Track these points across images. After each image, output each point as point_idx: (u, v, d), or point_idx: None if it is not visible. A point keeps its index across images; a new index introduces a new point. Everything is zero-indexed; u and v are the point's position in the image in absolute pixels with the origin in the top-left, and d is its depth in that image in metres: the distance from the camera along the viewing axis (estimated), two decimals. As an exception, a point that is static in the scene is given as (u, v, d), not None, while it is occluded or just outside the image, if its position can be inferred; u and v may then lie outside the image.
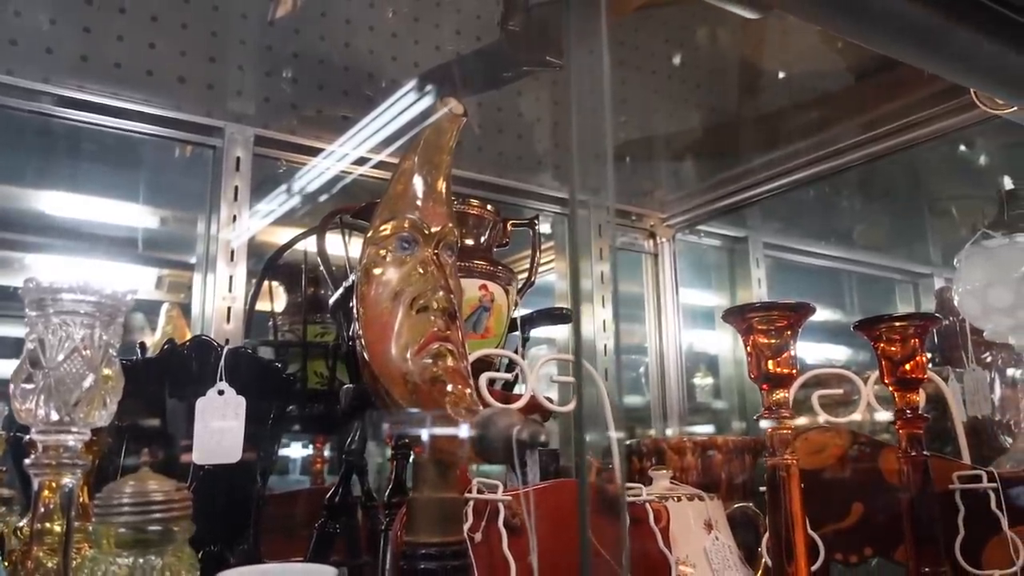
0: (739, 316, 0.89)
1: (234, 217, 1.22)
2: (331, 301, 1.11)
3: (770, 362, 0.87)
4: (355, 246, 1.29)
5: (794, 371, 0.87)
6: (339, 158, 1.37)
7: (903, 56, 0.82)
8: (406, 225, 0.78)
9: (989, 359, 1.43)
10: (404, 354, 0.73)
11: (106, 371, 0.60)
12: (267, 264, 1.42)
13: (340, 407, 1.07)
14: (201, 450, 0.76)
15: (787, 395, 0.87)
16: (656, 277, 1.76)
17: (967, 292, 1.30)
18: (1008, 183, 1.36)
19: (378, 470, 1.54)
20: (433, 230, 0.79)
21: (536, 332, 1.33)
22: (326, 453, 1.65)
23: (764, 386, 0.88)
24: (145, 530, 0.56)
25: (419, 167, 0.81)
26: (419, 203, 0.80)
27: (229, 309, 1.19)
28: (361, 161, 1.37)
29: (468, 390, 0.71)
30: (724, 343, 1.88)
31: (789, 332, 0.87)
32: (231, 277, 1.20)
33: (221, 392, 0.77)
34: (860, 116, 1.52)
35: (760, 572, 1.20)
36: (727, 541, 1.11)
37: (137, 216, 1.67)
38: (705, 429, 1.81)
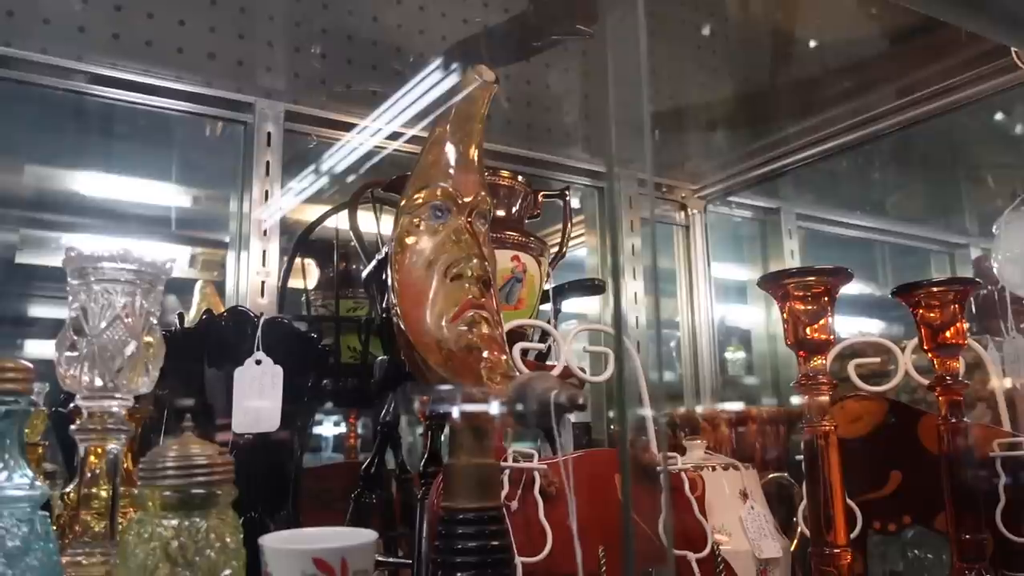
0: (775, 282, 0.88)
1: (266, 193, 1.23)
2: (364, 274, 1.12)
3: (807, 329, 0.86)
4: (387, 221, 1.30)
5: (831, 337, 0.86)
6: (370, 133, 1.37)
7: (944, 14, 0.80)
8: (439, 194, 0.78)
9: (1029, 328, 1.40)
10: (439, 322, 0.73)
11: (147, 338, 0.61)
12: (299, 240, 1.43)
13: (374, 380, 1.08)
14: (239, 419, 0.77)
15: (824, 362, 0.86)
16: (688, 249, 1.75)
17: (1007, 259, 1.27)
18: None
19: (411, 442, 1.56)
20: (466, 199, 0.79)
21: (565, 307, 1.33)
22: (359, 429, 1.66)
23: (801, 353, 0.87)
24: (189, 493, 0.57)
25: (451, 136, 0.81)
26: (451, 172, 0.80)
27: (263, 284, 1.20)
28: (392, 136, 1.37)
29: (504, 356, 0.71)
30: (757, 317, 1.87)
31: (826, 298, 0.86)
32: (264, 252, 1.21)
33: (258, 362, 0.78)
34: (895, 82, 1.50)
35: (795, 542, 1.20)
36: (762, 510, 1.10)
37: (170, 195, 1.69)
38: (737, 405, 1.80)
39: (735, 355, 1.95)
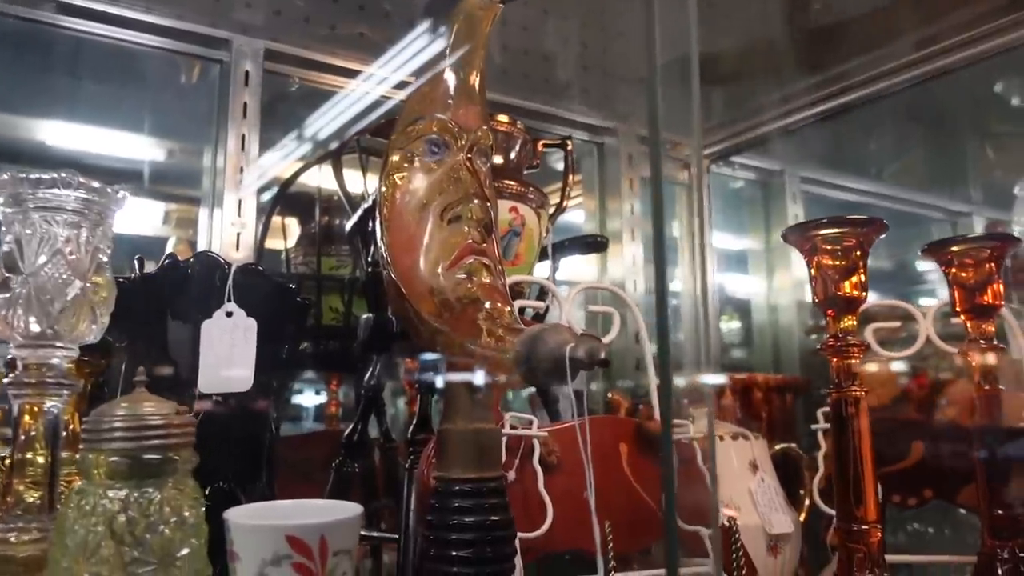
0: (802, 234, 0.80)
1: (243, 138, 1.13)
2: (348, 226, 1.03)
3: (837, 286, 0.78)
4: (375, 175, 1.21)
5: (864, 295, 0.78)
6: (357, 77, 1.27)
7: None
8: (435, 126, 0.70)
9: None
10: (435, 269, 0.65)
11: (96, 279, 0.52)
12: (278, 194, 1.34)
13: (358, 339, 1.00)
14: (207, 377, 0.68)
15: (855, 322, 0.79)
16: (690, 210, 1.67)
17: (1032, 221, 1.21)
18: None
19: (394, 413, 1.48)
20: (466, 132, 0.70)
21: (560, 274, 1.24)
22: (341, 396, 1.58)
23: (830, 312, 0.79)
24: (140, 458, 0.49)
25: (450, 62, 0.72)
26: (450, 102, 0.71)
27: (238, 236, 1.11)
28: (382, 82, 1.28)
29: (508, 308, 0.63)
30: (758, 286, 1.79)
31: (858, 252, 0.79)
32: (240, 203, 1.12)
33: (229, 314, 0.69)
34: (910, 34, 1.41)
35: (804, 515, 1.13)
36: (772, 483, 1.03)
37: (143, 147, 1.59)
38: (741, 374, 1.73)
39: (729, 324, 1.88)
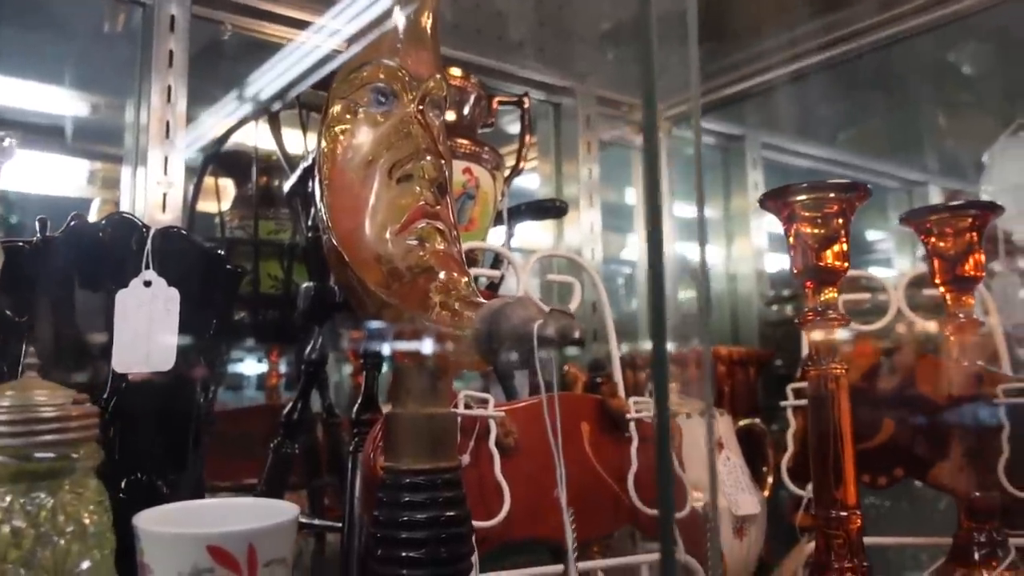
0: (780, 200, 0.74)
1: (169, 88, 1.03)
2: (286, 186, 0.95)
3: (817, 255, 0.73)
4: (315, 133, 1.12)
5: (845, 265, 0.73)
6: (301, 28, 1.17)
7: None
8: (382, 74, 0.62)
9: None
10: (382, 233, 0.57)
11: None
12: (211, 153, 1.24)
13: (298, 310, 0.92)
14: (122, 356, 0.60)
15: (836, 294, 0.73)
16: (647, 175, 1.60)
17: (1000, 190, 1.17)
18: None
19: (338, 380, 1.40)
20: (417, 81, 0.62)
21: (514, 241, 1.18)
22: (282, 367, 1.50)
23: (809, 284, 0.74)
24: (29, 458, 0.41)
25: (398, 2, 0.64)
26: (399, 47, 0.63)
27: (164, 197, 1.01)
28: (333, 34, 1.18)
29: (464, 278, 0.55)
30: (716, 255, 1.75)
31: (840, 220, 0.73)
32: (166, 159, 1.02)
33: (148, 283, 0.61)
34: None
35: (768, 494, 1.09)
36: (738, 461, 0.99)
37: (65, 102, 1.48)
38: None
39: (687, 294, 1.83)
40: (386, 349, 0.84)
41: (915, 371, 0.96)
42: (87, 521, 0.43)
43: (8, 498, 0.41)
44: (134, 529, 0.44)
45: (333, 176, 0.60)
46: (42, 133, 1.49)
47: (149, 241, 0.61)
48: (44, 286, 0.58)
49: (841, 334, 0.76)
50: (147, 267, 0.61)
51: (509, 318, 0.47)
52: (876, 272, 1.34)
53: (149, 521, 0.44)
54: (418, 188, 0.58)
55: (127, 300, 0.61)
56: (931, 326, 0.94)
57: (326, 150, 0.61)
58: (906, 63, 1.66)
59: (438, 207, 0.59)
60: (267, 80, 1.25)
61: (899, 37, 1.40)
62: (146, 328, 0.61)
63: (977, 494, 0.80)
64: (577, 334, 0.44)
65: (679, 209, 1.75)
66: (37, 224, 0.60)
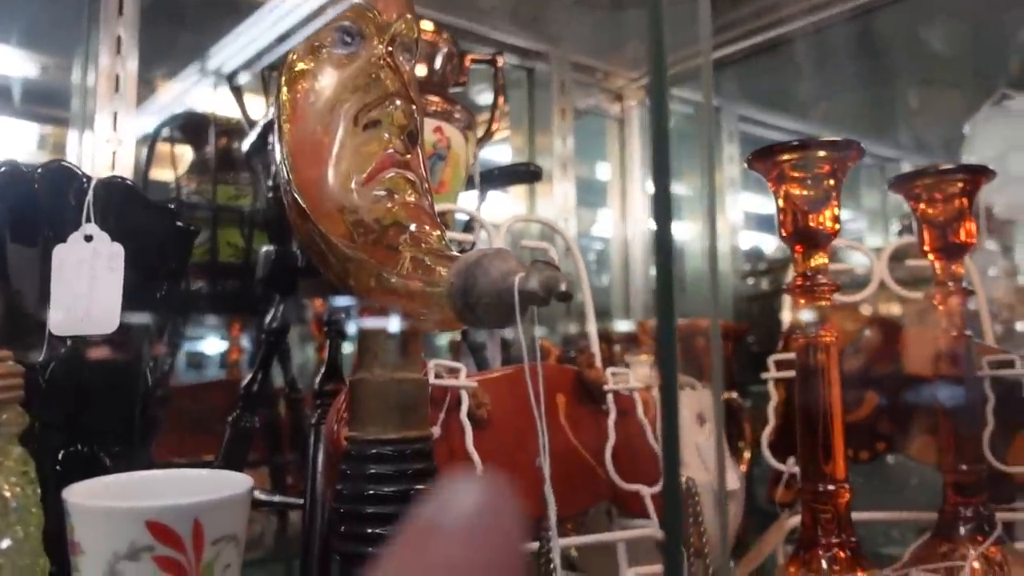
0: (769, 159, 0.70)
1: (119, 40, 0.96)
2: (246, 144, 0.89)
3: (807, 217, 0.69)
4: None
5: (836, 228, 0.69)
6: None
7: None
8: (348, 12, 0.57)
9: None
10: (346, 183, 0.52)
11: None
12: (167, 118, 1.19)
13: (258, 275, 0.87)
14: (61, 316, 0.55)
15: (826, 260, 0.70)
16: (622, 146, 1.56)
17: (981, 160, 1.15)
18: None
19: (304, 361, 1.35)
20: (386, 20, 0.57)
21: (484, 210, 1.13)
22: (243, 342, 1.45)
23: (798, 248, 0.70)
24: (-61, 422, 0.36)
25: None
26: (366, -14, 0.58)
27: (114, 155, 0.95)
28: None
29: (437, 232, 0.51)
30: (691, 230, 1.71)
31: (831, 180, 0.70)
32: (116, 115, 0.95)
33: (89, 237, 0.56)
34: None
35: (746, 468, 1.07)
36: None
37: (11, 61, 1.41)
38: (681, 319, 1.66)
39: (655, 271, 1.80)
40: (351, 310, 0.79)
41: (899, 343, 0.93)
42: (8, 494, 0.38)
43: (-86, 467, 0.36)
44: (64, 503, 0.39)
45: (294, 123, 0.55)
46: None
47: (91, 192, 0.56)
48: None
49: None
50: (88, 220, 0.56)
51: (487, 271, 0.43)
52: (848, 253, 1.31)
53: (82, 494, 0.39)
54: (386, 135, 0.54)
55: (66, 256, 0.56)
56: (915, 296, 0.91)
57: (287, 96, 0.56)
58: (881, 38, 1.64)
59: (408, 156, 0.54)
60: (228, 41, 1.20)
61: (875, 5, 1.38)
62: (87, 287, 0.56)
63: (963, 468, 0.77)
64: (563, 287, 0.40)
65: (651, 185, 1.71)
66: (-38, 171, 0.54)
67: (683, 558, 0.73)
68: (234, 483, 0.42)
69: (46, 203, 0.55)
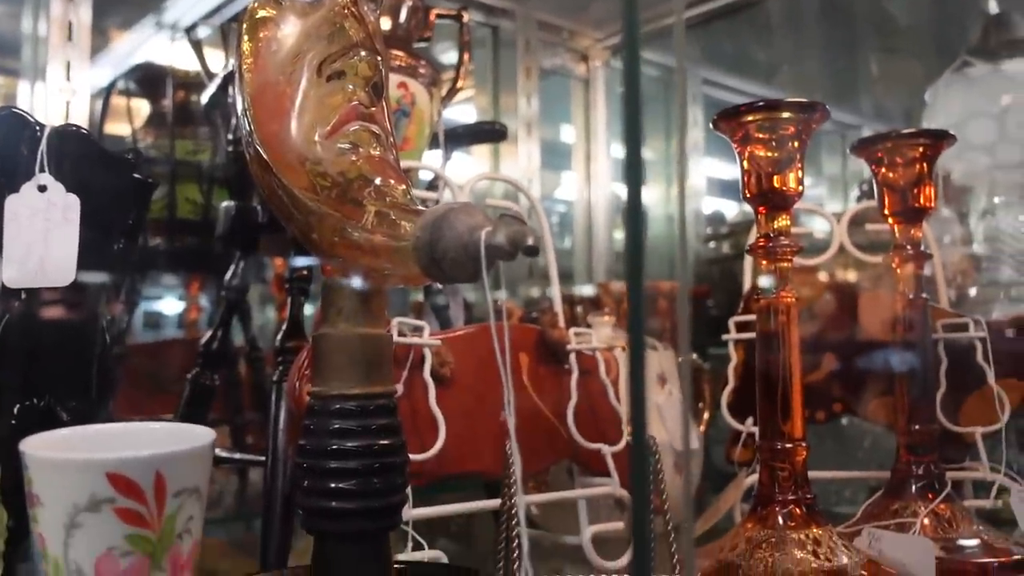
0: (734, 119, 0.70)
1: (72, -17, 0.93)
2: (205, 96, 0.87)
3: (771, 179, 0.70)
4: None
5: (800, 190, 0.70)
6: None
7: None
8: (311, -41, 0.55)
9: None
10: (310, 135, 0.51)
11: None
12: (123, 70, 1.16)
13: (218, 232, 0.85)
14: (15, 269, 0.53)
15: (789, 222, 0.71)
16: (587, 108, 1.55)
17: (942, 127, 1.16)
18: (994, 6, 1.21)
19: (263, 322, 1.34)
20: (349, -33, 0.56)
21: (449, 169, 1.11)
22: (202, 301, 1.43)
23: (761, 209, 0.71)
24: None
25: None
26: (330, -68, 0.56)
27: (68, 105, 0.92)
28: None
29: (402, 186, 0.50)
30: (654, 193, 1.72)
31: (796, 143, 0.70)
32: (69, 64, 0.93)
33: (43, 188, 0.54)
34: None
35: (704, 429, 1.08)
36: (679, 396, 0.97)
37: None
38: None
39: (620, 234, 1.81)
40: (313, 267, 0.78)
41: (856, 305, 0.95)
42: (-40, 446, 0.37)
43: None
44: (21, 455, 0.38)
45: (256, 73, 0.54)
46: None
47: (44, 140, 0.54)
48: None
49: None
50: (42, 170, 0.54)
51: (453, 225, 0.42)
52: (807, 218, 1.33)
53: (39, 446, 0.39)
54: (351, 86, 0.53)
55: (18, 206, 0.54)
56: (874, 260, 0.93)
57: (247, 46, 0.55)
58: (845, 5, 1.64)
59: (373, 109, 0.53)
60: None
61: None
62: (41, 238, 0.54)
63: (916, 428, 0.79)
64: (530, 241, 0.40)
65: (617, 149, 1.72)
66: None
67: (648, 516, 0.73)
68: (196, 436, 0.42)
69: (-3, 151, 0.54)
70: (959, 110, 1.14)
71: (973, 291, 1.26)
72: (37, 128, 0.55)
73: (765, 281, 0.71)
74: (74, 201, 0.55)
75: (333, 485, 0.48)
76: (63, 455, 0.38)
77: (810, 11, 1.70)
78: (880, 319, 0.90)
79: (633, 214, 0.33)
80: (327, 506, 0.49)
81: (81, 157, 0.56)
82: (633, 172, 0.35)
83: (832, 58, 1.95)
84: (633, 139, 0.34)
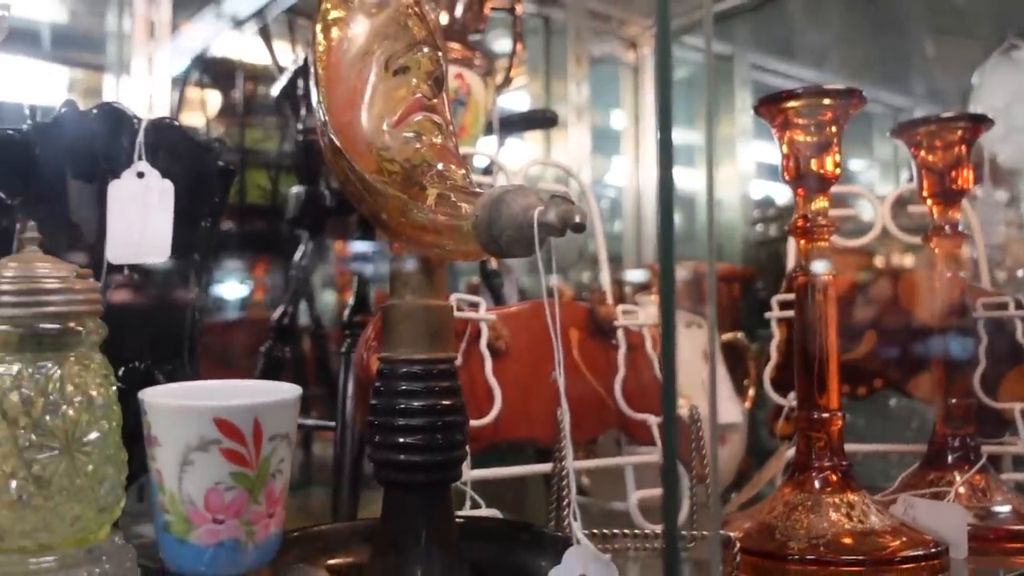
0: (775, 106, 0.74)
1: (154, -15, 1.00)
2: (276, 88, 0.93)
3: (809, 162, 0.73)
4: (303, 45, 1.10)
5: (837, 172, 0.73)
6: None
7: None
8: (377, -37, 0.61)
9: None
10: (379, 125, 0.57)
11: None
12: (197, 63, 1.22)
13: (288, 215, 0.92)
14: (117, 247, 0.60)
15: (826, 203, 0.74)
16: (636, 94, 1.59)
17: (988, 110, 1.18)
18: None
19: (327, 300, 1.40)
20: (413, -29, 0.61)
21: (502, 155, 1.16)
22: (267, 281, 1.50)
23: (800, 191, 0.74)
24: (36, 327, 0.41)
25: None
26: (394, -62, 0.62)
27: (151, 97, 0.99)
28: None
29: (462, 171, 0.55)
30: (703, 180, 1.74)
31: (834, 127, 0.73)
32: (150, 60, 1.00)
33: (141, 174, 0.61)
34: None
35: (749, 405, 1.12)
36: (721, 372, 1.01)
37: (41, 5, 1.43)
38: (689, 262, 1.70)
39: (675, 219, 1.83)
40: (381, 247, 0.84)
41: (898, 285, 0.97)
42: (94, 393, 0.43)
43: (16, 367, 0.41)
44: (141, 404, 0.44)
45: (329, 69, 0.59)
46: (18, 38, 1.44)
47: (142, 132, 0.60)
48: (35, 174, 0.57)
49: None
50: (140, 158, 0.61)
51: (509, 205, 0.47)
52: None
53: (158, 396, 0.45)
54: (414, 80, 0.58)
55: (120, 191, 0.60)
56: (915, 241, 0.95)
57: (321, 43, 0.60)
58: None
59: (435, 100, 0.58)
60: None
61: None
62: (140, 220, 0.60)
63: (953, 401, 0.82)
64: (578, 219, 0.45)
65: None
66: (27, 111, 0.59)
67: (678, 479, 0.78)
68: (285, 390, 0.48)
69: (102, 141, 0.60)
70: (1006, 93, 1.15)
71: (1021, 272, 1.27)
72: (135, 121, 0.61)
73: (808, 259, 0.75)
74: (169, 186, 0.61)
75: (401, 440, 0.54)
76: (179, 402, 0.44)
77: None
78: (920, 298, 0.93)
79: (664, 195, 0.37)
80: (396, 459, 0.54)
81: (173, 147, 0.62)
82: (665, 155, 0.39)
83: (883, 41, 1.94)
84: (665, 125, 0.39)
